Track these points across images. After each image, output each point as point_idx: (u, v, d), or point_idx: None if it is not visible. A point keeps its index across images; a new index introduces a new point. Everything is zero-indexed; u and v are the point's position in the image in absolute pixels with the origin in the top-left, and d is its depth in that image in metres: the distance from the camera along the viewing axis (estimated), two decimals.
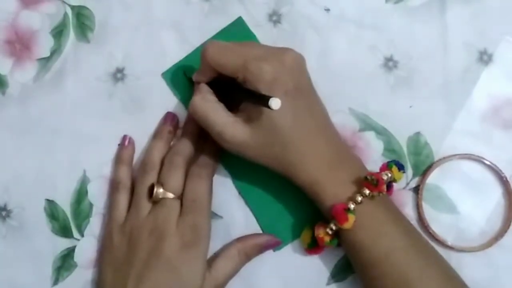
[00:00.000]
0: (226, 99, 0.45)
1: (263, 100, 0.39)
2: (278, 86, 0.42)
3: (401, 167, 0.44)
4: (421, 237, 0.44)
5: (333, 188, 0.43)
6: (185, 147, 0.47)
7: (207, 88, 0.46)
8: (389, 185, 0.45)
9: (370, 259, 0.42)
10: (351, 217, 0.41)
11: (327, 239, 0.43)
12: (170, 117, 0.49)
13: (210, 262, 0.45)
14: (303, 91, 0.44)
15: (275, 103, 0.39)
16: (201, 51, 0.45)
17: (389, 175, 0.43)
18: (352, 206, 0.41)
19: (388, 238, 0.42)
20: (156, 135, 0.49)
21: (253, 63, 0.42)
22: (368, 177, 0.42)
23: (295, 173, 0.43)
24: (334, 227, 0.42)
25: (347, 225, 0.41)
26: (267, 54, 0.43)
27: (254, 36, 0.50)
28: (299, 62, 0.44)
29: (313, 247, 0.45)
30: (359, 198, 0.41)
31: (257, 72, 0.42)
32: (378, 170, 0.44)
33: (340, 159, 0.44)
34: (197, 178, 0.45)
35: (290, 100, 0.42)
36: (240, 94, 0.44)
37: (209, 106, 0.44)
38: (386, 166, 0.44)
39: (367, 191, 0.41)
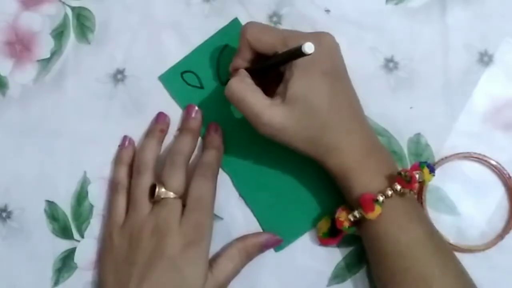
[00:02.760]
0: (262, 87, 0.45)
1: (297, 52, 0.38)
2: (316, 64, 0.42)
3: (432, 170, 0.44)
4: (442, 238, 0.44)
5: (364, 176, 0.43)
6: (185, 146, 0.47)
7: (245, 73, 0.45)
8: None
9: (392, 252, 0.42)
10: (378, 209, 0.41)
11: (346, 224, 0.43)
12: (161, 117, 0.49)
13: (211, 262, 0.45)
14: (340, 74, 0.44)
15: (308, 46, 0.37)
16: (240, 32, 0.45)
17: (420, 175, 0.43)
18: (381, 198, 0.41)
19: (412, 234, 0.42)
20: (147, 134, 0.49)
21: (292, 39, 0.43)
22: (403, 173, 0.41)
23: (328, 157, 0.43)
24: (357, 215, 0.42)
25: (372, 215, 0.41)
26: (306, 34, 0.44)
27: None
28: (336, 45, 0.44)
29: (328, 237, 0.46)
30: (390, 192, 0.41)
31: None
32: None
33: (373, 147, 0.44)
34: (202, 178, 0.46)
35: (327, 81, 0.42)
36: (275, 63, 0.43)
37: (246, 88, 0.44)
38: (418, 166, 0.44)
39: (398, 187, 0.41)
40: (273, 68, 0.45)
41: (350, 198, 0.43)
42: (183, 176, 0.46)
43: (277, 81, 0.45)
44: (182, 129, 0.49)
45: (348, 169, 0.43)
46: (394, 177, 0.42)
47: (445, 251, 0.43)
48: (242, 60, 0.46)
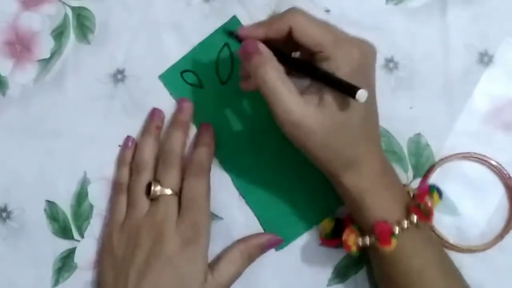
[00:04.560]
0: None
1: (349, 89, 0.36)
2: (363, 76, 0.40)
3: (440, 194, 0.43)
4: (451, 261, 0.44)
5: (380, 200, 0.41)
6: (176, 142, 0.47)
7: (276, 59, 0.40)
8: None
9: (403, 274, 0.41)
10: (394, 241, 0.40)
11: (354, 248, 0.42)
12: (156, 113, 0.49)
13: (213, 265, 0.45)
14: (374, 90, 0.42)
15: (363, 95, 0.36)
16: (282, 13, 0.41)
17: (431, 200, 0.41)
18: (397, 230, 0.40)
19: (424, 260, 0.41)
20: (144, 132, 0.49)
21: (346, 42, 0.40)
22: (422, 205, 0.40)
23: (345, 173, 0.41)
24: (368, 242, 0.41)
25: (389, 248, 0.40)
26: (356, 40, 0.41)
27: None
28: (375, 57, 0.42)
29: (331, 238, 0.45)
30: (406, 225, 0.40)
31: (348, 54, 0.39)
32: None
33: (386, 169, 0.43)
34: (194, 177, 0.45)
35: (368, 95, 0.39)
36: (317, 75, 0.40)
37: (280, 77, 0.39)
38: (428, 190, 0.42)
39: (415, 219, 0.40)
40: (309, 73, 0.41)
41: (362, 221, 0.42)
42: (178, 172, 0.46)
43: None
44: (172, 123, 0.49)
45: (363, 189, 0.41)
46: (410, 207, 0.41)
47: (455, 274, 0.43)
48: (263, 35, 0.41)
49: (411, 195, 0.44)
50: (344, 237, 0.42)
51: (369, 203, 0.41)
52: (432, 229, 0.47)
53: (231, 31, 0.43)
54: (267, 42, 0.41)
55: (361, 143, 0.41)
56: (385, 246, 0.40)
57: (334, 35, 0.40)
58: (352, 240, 0.42)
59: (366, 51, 0.41)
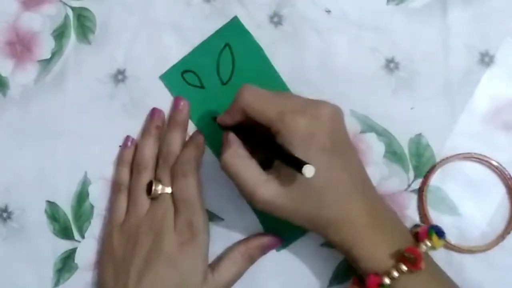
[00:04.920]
0: (255, 149, 0.44)
1: (297, 164, 0.37)
2: (314, 141, 0.40)
3: (441, 234, 0.41)
4: None
5: (367, 252, 0.41)
6: (175, 143, 0.47)
7: (237, 141, 0.44)
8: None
9: None
10: None
11: None
12: (156, 113, 0.49)
13: (214, 265, 0.45)
14: (340, 148, 0.41)
15: (309, 170, 0.37)
16: (235, 95, 0.43)
17: (429, 244, 0.41)
18: (387, 281, 0.39)
19: None
20: (144, 132, 0.49)
21: (289, 115, 0.40)
22: (406, 254, 0.39)
23: (330, 235, 0.42)
24: None
25: None
26: (304, 107, 0.41)
27: (250, 35, 0.50)
28: (337, 116, 0.42)
29: None
30: (396, 274, 0.39)
31: (292, 125, 0.40)
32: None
33: (377, 220, 0.42)
34: (182, 177, 0.45)
35: (326, 158, 0.40)
36: (273, 152, 0.41)
37: (240, 163, 0.42)
38: (426, 233, 0.41)
39: (404, 268, 0.39)
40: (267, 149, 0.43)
41: (358, 271, 0.42)
42: None
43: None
44: (169, 122, 0.49)
45: (349, 245, 0.41)
46: (399, 257, 0.40)
47: None
48: (231, 121, 0.44)
49: (413, 232, 0.43)
50: None
51: (358, 257, 0.41)
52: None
53: (214, 117, 0.47)
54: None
55: (334, 204, 0.41)
56: None
57: (278, 109, 0.41)
58: None
59: (317, 114, 0.41)
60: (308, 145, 0.40)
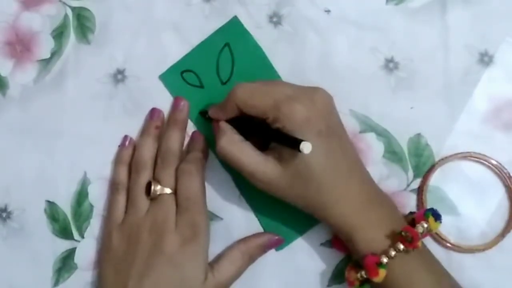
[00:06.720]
0: (250, 135, 0.45)
1: (294, 143, 0.38)
2: (310, 126, 0.41)
3: (438, 217, 0.43)
4: (450, 282, 0.43)
5: (365, 234, 0.42)
6: (174, 142, 0.47)
7: (230, 128, 0.45)
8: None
9: None
10: (382, 272, 0.40)
11: (357, 283, 0.42)
12: (155, 113, 0.49)
13: (214, 264, 0.45)
14: (335, 131, 0.43)
15: (307, 147, 0.38)
16: (229, 94, 0.44)
17: (425, 226, 0.42)
18: (385, 260, 0.40)
19: (418, 283, 0.41)
20: (143, 132, 0.49)
21: (284, 103, 0.41)
22: (403, 233, 0.40)
23: (327, 216, 0.43)
24: (364, 275, 0.41)
25: (377, 279, 0.40)
26: (298, 93, 0.43)
27: (250, 35, 0.50)
28: (329, 101, 0.44)
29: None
30: (393, 253, 0.40)
31: (289, 112, 0.41)
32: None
33: (373, 201, 0.43)
34: (188, 175, 0.45)
35: (323, 141, 0.41)
36: (269, 135, 0.43)
37: (237, 148, 0.43)
38: (423, 215, 0.42)
39: (401, 246, 0.40)
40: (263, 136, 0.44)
41: (356, 255, 0.43)
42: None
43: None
44: (169, 122, 0.49)
45: (349, 227, 0.42)
46: (397, 234, 0.41)
47: None
48: (224, 116, 0.45)
49: (409, 219, 0.44)
50: (346, 274, 0.43)
51: (356, 239, 0.42)
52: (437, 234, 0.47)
53: (204, 111, 0.48)
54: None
55: (333, 187, 0.42)
56: (373, 277, 0.40)
57: (273, 98, 0.42)
58: (353, 276, 0.42)
59: (312, 100, 0.42)
60: (305, 130, 0.41)
